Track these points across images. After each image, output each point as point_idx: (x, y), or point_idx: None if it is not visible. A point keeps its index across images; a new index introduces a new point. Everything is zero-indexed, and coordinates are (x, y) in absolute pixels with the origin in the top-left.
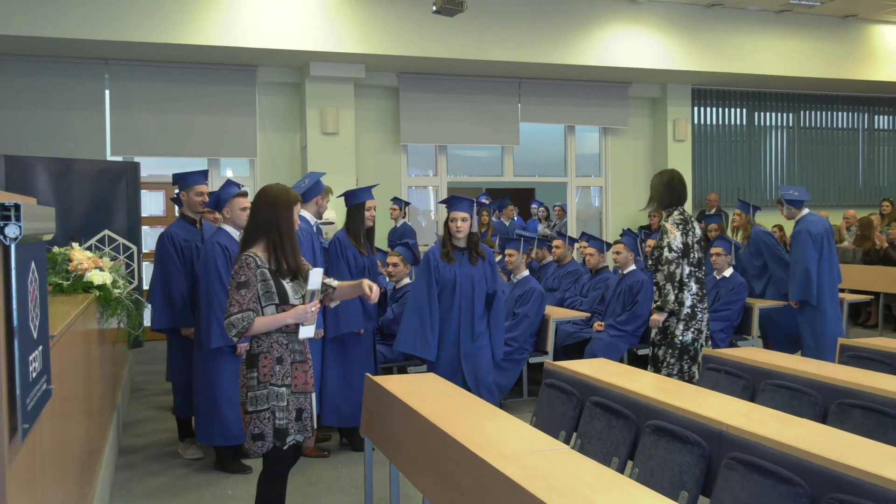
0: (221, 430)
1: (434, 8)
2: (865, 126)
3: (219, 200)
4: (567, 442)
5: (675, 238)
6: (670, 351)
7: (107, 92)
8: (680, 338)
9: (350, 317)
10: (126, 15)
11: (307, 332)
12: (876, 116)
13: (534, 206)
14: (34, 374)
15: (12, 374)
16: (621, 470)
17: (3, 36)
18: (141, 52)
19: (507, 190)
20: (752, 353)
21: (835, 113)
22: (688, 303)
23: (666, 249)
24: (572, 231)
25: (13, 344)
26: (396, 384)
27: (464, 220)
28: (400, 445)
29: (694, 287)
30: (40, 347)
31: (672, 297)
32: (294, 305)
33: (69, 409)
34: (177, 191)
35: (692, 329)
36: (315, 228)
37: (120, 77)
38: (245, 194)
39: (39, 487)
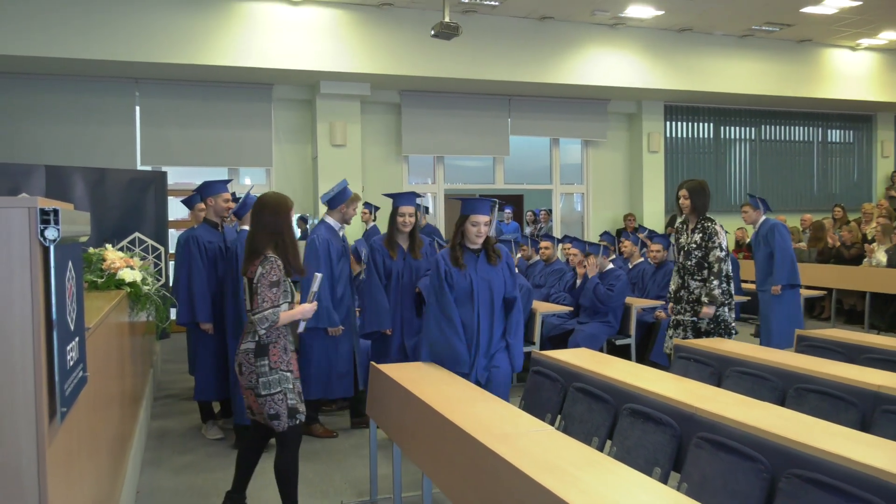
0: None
1: (432, 32)
2: (819, 139)
3: (244, 206)
4: (552, 423)
5: (724, 239)
6: (722, 333)
7: (137, 108)
8: (731, 322)
9: (379, 316)
10: (154, 39)
11: (303, 326)
12: (829, 130)
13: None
14: (71, 363)
15: (51, 363)
16: (601, 448)
17: (45, 58)
18: (168, 72)
19: (498, 196)
20: (719, 344)
21: (792, 127)
22: (726, 289)
23: (717, 249)
24: (557, 233)
25: (52, 335)
26: (398, 371)
27: (486, 224)
28: (401, 427)
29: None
30: (77, 338)
31: (719, 292)
32: (289, 303)
33: (103, 394)
34: (194, 197)
35: (732, 311)
36: (341, 234)
37: (149, 94)
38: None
39: (76, 465)
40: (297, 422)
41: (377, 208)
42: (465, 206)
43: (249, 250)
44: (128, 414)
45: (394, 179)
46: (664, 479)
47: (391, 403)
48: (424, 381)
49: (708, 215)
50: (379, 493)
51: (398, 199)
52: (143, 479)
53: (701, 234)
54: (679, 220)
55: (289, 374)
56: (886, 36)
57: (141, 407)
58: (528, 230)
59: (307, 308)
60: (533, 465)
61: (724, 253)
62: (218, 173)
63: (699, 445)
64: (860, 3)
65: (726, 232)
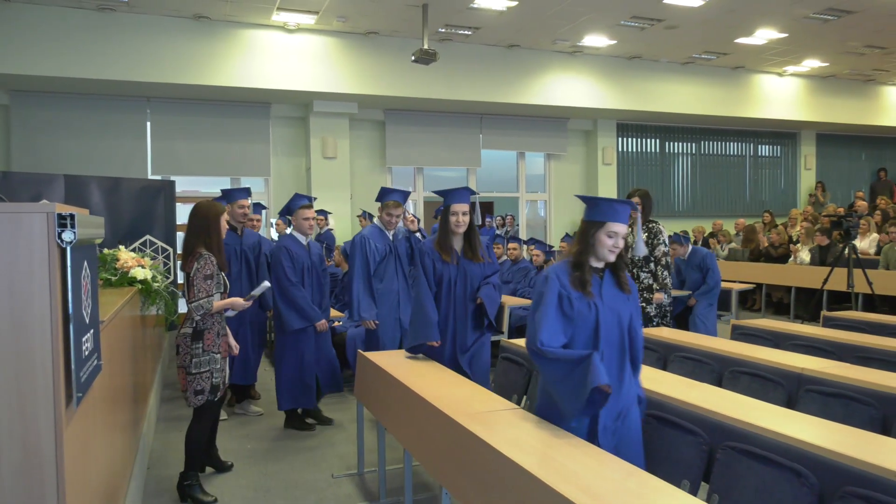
0: (304, 395)
1: (413, 58)
2: (751, 153)
3: (289, 210)
4: (518, 403)
5: (666, 237)
6: (664, 317)
7: (148, 123)
8: (668, 308)
9: (425, 328)
10: (165, 62)
11: (231, 314)
12: (759, 146)
13: (488, 219)
14: (86, 352)
15: (68, 352)
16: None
17: (65, 78)
18: (176, 92)
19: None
20: (664, 332)
21: (727, 143)
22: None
23: (662, 245)
24: (522, 236)
25: (69, 327)
26: (383, 358)
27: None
28: (386, 408)
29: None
30: (92, 330)
31: (669, 281)
32: (220, 293)
33: (117, 380)
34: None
35: (670, 297)
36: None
37: (159, 111)
38: (310, 206)
39: (91, 445)
40: (216, 398)
41: (330, 213)
42: (445, 196)
43: (185, 249)
44: (140, 398)
45: (378, 188)
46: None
47: (377, 387)
48: (405, 366)
49: (651, 218)
50: (365, 466)
51: (450, 196)
52: (152, 461)
53: (647, 234)
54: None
55: (217, 356)
56: (809, 64)
57: (151, 391)
58: (500, 232)
59: (238, 302)
60: (500, 440)
61: (666, 248)
62: (221, 182)
63: (647, 421)
64: (786, 35)
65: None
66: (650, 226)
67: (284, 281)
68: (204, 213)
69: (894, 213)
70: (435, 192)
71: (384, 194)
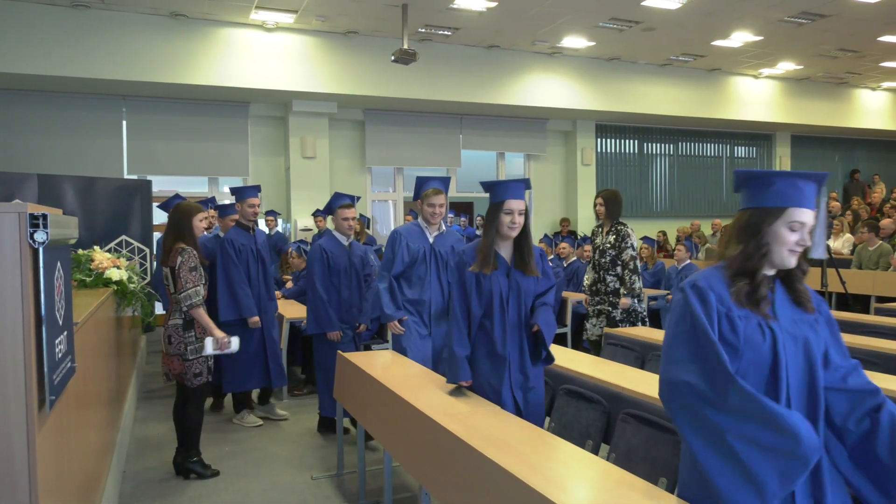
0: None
1: (393, 58)
2: (728, 154)
3: (330, 209)
4: (595, 451)
5: (634, 240)
6: (634, 322)
7: (124, 122)
8: (641, 312)
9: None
10: (141, 60)
11: (210, 346)
12: (735, 147)
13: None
14: (60, 355)
15: (41, 355)
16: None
17: (40, 76)
18: (153, 90)
19: (451, 203)
20: (642, 332)
21: (704, 144)
22: (639, 284)
23: (630, 249)
24: None
25: (41, 329)
26: (362, 359)
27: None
28: (365, 408)
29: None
30: (65, 332)
31: (639, 285)
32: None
33: (92, 383)
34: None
35: (642, 302)
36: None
37: (135, 110)
38: (351, 206)
39: (65, 448)
40: (210, 379)
41: (279, 214)
42: (496, 189)
43: (164, 246)
44: (116, 399)
45: (358, 188)
46: (595, 451)
47: (356, 388)
48: (385, 367)
49: (620, 220)
50: (345, 467)
51: (503, 189)
52: (128, 461)
53: (615, 236)
54: (596, 223)
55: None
56: (784, 66)
57: (128, 393)
58: (479, 233)
59: (221, 338)
60: (481, 441)
61: (634, 252)
62: (199, 182)
63: (625, 420)
64: (761, 38)
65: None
66: (618, 228)
67: (311, 284)
68: (181, 212)
69: (866, 213)
70: (483, 184)
71: (421, 185)
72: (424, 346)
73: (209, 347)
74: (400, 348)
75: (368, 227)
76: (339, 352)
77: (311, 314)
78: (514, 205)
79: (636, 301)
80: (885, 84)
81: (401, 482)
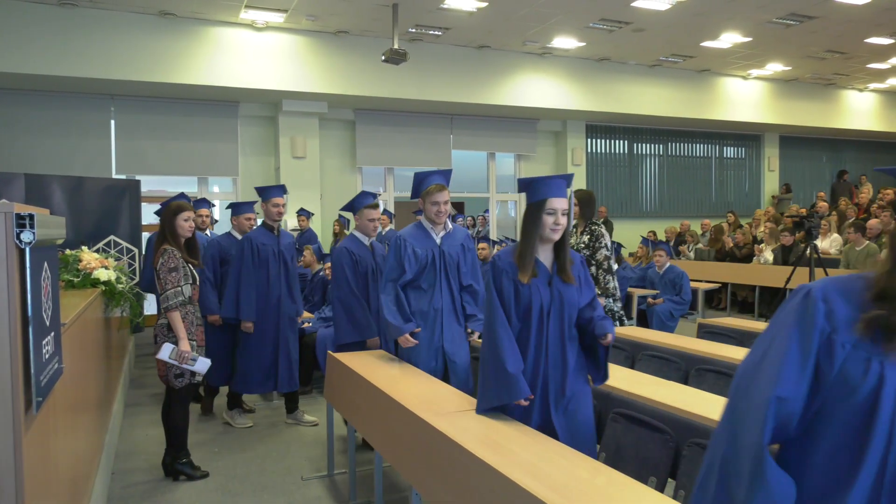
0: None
1: (383, 58)
2: (717, 155)
3: (353, 207)
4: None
5: (608, 240)
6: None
7: (112, 122)
8: (618, 312)
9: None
10: (130, 59)
11: (166, 352)
12: (724, 147)
13: (459, 218)
14: (47, 356)
15: (27, 356)
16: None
17: (27, 75)
18: (142, 90)
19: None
20: (632, 332)
21: (694, 144)
22: (614, 284)
23: (604, 249)
24: (493, 236)
25: (28, 330)
26: (352, 359)
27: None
28: (355, 408)
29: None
30: (52, 333)
31: (613, 284)
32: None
33: (79, 384)
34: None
35: (618, 302)
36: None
37: (123, 109)
38: (376, 206)
39: (53, 450)
40: (195, 380)
41: (311, 213)
42: (534, 187)
43: (154, 246)
44: (104, 400)
45: (349, 188)
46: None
47: (346, 388)
48: (375, 367)
49: (594, 220)
50: (335, 468)
51: (544, 186)
52: (117, 463)
53: (589, 236)
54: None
55: (193, 342)
56: (772, 67)
57: (117, 394)
58: (471, 233)
59: (185, 351)
60: (471, 439)
61: (608, 252)
62: (188, 182)
63: (615, 420)
64: (750, 39)
65: (616, 241)
66: (592, 228)
67: (345, 288)
68: (164, 213)
69: (853, 214)
70: (521, 182)
71: (421, 181)
72: (436, 359)
73: (165, 353)
74: (409, 360)
75: (347, 228)
76: (329, 352)
77: (345, 322)
78: (557, 203)
79: (611, 301)
80: (872, 85)
81: (391, 483)
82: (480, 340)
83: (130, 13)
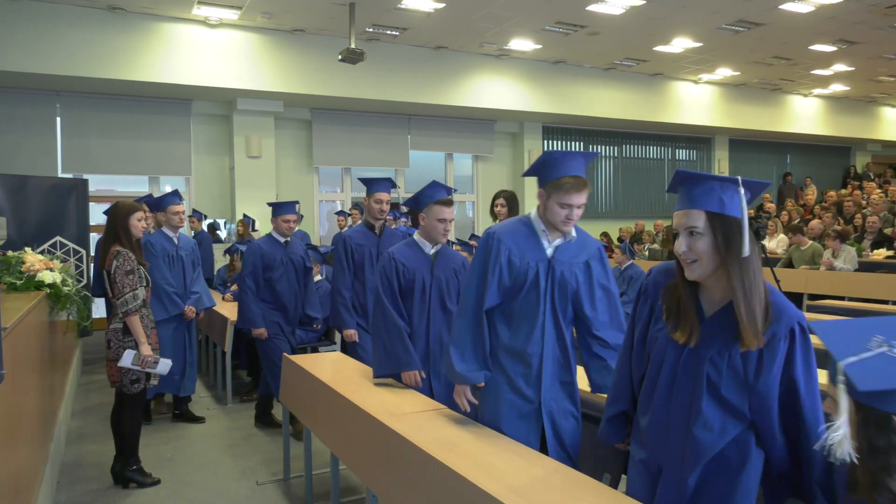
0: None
1: (340, 57)
2: (669, 157)
3: (417, 202)
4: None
5: None
6: None
7: (58, 119)
8: None
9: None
10: (77, 54)
11: (128, 359)
12: (676, 150)
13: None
14: None
15: None
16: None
17: None
18: (89, 86)
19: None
20: None
21: (647, 147)
22: None
23: None
24: (451, 237)
25: None
26: (308, 361)
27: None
28: (312, 411)
29: None
30: None
31: None
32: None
33: (22, 391)
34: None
35: None
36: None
37: (70, 106)
38: (450, 202)
39: None
40: (148, 385)
41: (205, 216)
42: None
43: (102, 249)
44: (48, 408)
45: (305, 188)
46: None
47: (302, 390)
48: (332, 370)
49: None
50: (292, 472)
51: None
52: (63, 472)
53: None
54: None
55: (148, 346)
56: (722, 72)
57: (62, 402)
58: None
59: (146, 355)
60: (427, 440)
61: None
62: (139, 182)
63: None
64: (701, 44)
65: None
66: None
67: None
68: (115, 214)
69: (798, 215)
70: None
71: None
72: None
73: (127, 360)
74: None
75: (254, 229)
76: (285, 354)
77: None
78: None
79: None
80: (816, 91)
81: (348, 486)
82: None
83: (77, 7)
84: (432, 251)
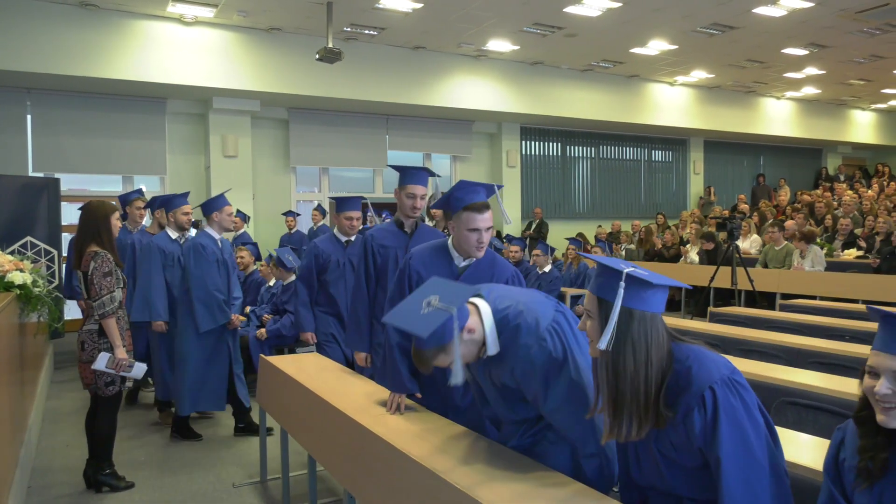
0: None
1: (317, 56)
2: (646, 158)
3: (449, 204)
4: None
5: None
6: None
7: (28, 116)
8: None
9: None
10: (48, 51)
11: (102, 362)
12: (652, 151)
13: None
14: None
15: None
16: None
17: None
18: (61, 83)
19: (383, 204)
20: None
21: (624, 148)
22: None
23: None
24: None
25: None
26: (285, 362)
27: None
28: (288, 412)
29: None
30: None
31: None
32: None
33: None
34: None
35: None
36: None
37: (41, 104)
38: (487, 207)
39: None
40: (124, 388)
41: (248, 217)
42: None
43: (77, 249)
44: (19, 411)
45: (283, 188)
46: None
47: (279, 391)
48: (308, 370)
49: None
50: (268, 474)
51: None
52: (35, 476)
53: None
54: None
55: (124, 348)
56: (697, 75)
57: (32, 406)
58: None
59: (122, 359)
60: (404, 441)
61: None
62: (113, 181)
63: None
64: (676, 47)
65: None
66: None
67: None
68: (94, 213)
69: (772, 216)
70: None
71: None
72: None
73: (101, 363)
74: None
75: (247, 222)
76: (262, 356)
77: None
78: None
79: None
80: (789, 94)
81: (326, 487)
82: None
83: (48, 3)
84: (463, 264)
